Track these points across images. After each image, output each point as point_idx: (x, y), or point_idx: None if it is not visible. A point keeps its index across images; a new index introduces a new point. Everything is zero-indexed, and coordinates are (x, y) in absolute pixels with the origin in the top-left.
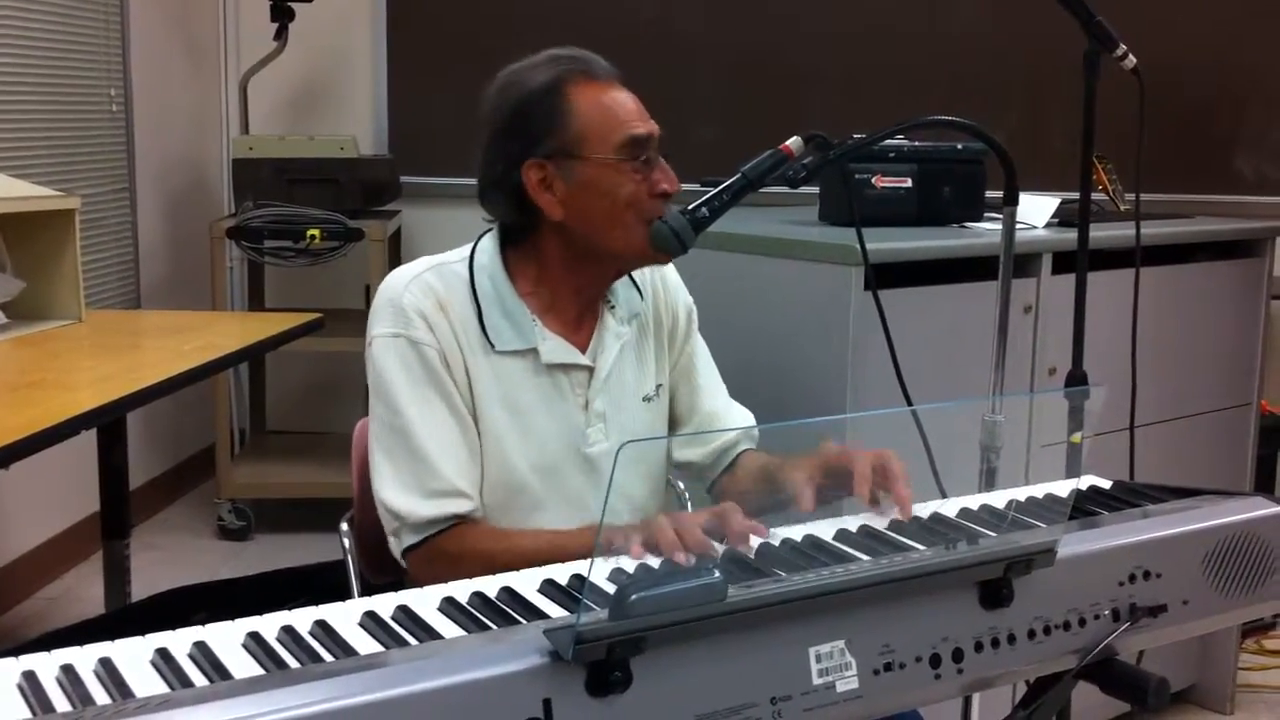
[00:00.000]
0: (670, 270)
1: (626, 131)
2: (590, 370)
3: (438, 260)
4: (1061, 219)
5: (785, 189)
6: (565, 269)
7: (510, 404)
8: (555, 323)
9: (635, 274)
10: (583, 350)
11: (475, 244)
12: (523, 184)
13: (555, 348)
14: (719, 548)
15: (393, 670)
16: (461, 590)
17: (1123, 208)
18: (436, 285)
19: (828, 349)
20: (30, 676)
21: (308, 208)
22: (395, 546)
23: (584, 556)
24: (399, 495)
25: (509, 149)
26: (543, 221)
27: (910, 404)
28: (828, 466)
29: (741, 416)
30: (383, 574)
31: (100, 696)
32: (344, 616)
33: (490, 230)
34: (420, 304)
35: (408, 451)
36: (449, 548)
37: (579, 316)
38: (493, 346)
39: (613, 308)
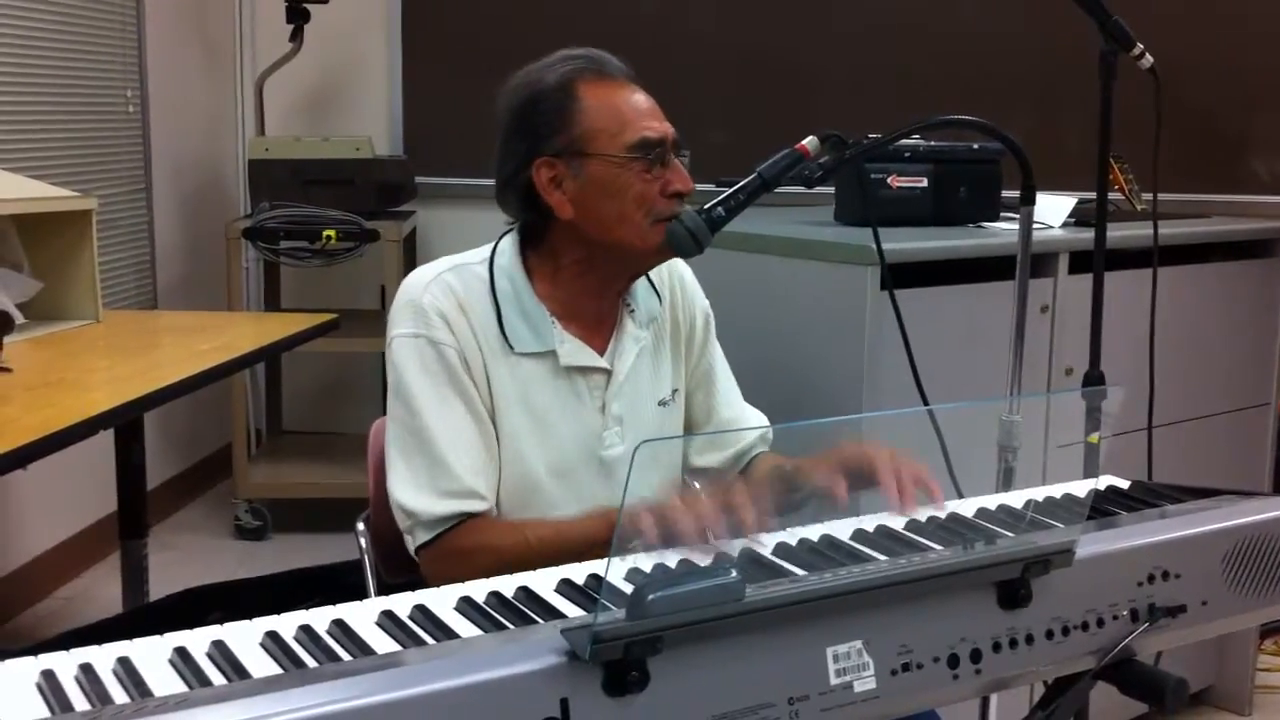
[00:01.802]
0: (688, 274)
1: (638, 131)
2: (608, 373)
3: (458, 260)
4: (1078, 219)
5: (801, 189)
6: (580, 269)
7: (528, 406)
8: (574, 325)
9: (654, 278)
10: (601, 353)
11: (496, 244)
12: (533, 182)
13: (573, 350)
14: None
15: (410, 670)
16: (478, 590)
17: (1139, 207)
18: (456, 286)
19: (844, 349)
20: (49, 675)
21: (323, 208)
22: (410, 545)
23: (593, 540)
24: (412, 494)
25: (520, 147)
26: (556, 221)
27: (927, 404)
28: (847, 465)
29: (756, 421)
30: (399, 573)
31: (119, 696)
32: (361, 616)
33: (511, 230)
34: (440, 304)
35: (423, 452)
36: (460, 543)
37: (598, 319)
38: (511, 348)
39: (632, 311)
